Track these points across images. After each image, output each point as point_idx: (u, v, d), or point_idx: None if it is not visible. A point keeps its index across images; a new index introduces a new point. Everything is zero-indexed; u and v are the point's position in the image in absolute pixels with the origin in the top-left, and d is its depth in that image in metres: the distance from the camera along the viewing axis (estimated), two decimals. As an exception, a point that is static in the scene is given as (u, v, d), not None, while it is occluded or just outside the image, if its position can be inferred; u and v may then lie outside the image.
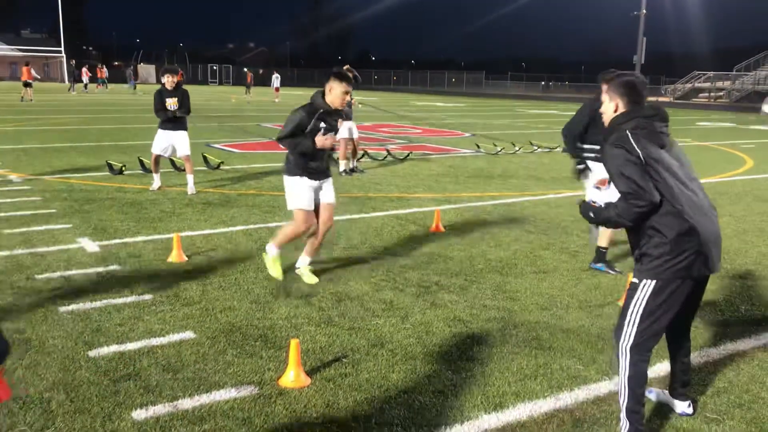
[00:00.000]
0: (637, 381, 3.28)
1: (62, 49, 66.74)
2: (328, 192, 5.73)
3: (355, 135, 11.89)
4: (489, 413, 3.58)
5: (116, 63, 62.07)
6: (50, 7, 67.07)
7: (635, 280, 3.32)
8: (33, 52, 69.69)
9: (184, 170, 10.15)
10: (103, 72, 50.62)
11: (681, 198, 3.20)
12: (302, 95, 47.63)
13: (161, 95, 9.40)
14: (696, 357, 4.34)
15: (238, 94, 47.35)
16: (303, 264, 5.84)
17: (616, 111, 3.46)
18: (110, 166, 11.13)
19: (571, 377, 4.04)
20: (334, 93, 5.46)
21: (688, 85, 58.28)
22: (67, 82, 62.00)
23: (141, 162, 11.42)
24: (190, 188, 9.56)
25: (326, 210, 5.74)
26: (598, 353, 4.40)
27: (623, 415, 3.29)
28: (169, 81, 9.39)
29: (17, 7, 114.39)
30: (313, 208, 5.63)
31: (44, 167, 11.38)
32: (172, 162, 11.23)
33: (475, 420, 3.51)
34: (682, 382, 3.65)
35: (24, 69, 33.22)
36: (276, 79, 40.99)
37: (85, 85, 45.78)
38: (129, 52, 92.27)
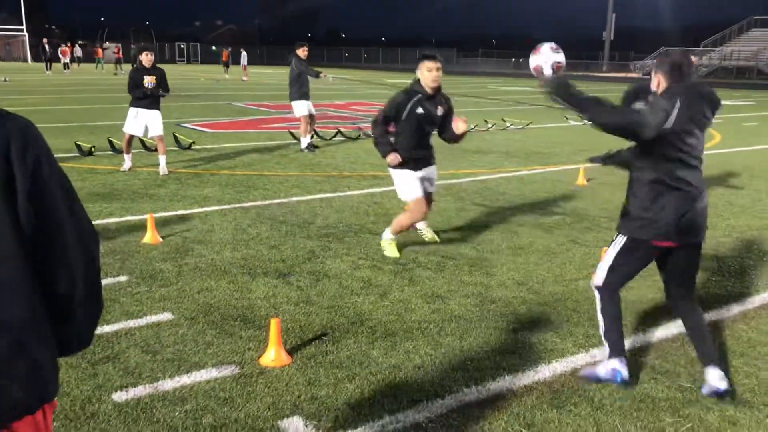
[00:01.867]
0: (609, 311, 3.70)
1: (24, 27, 65.02)
2: (431, 181, 6.02)
3: (313, 112, 11.88)
4: (469, 387, 3.63)
5: (81, 42, 60.56)
6: (10, -15, 65.07)
7: (616, 232, 3.71)
8: (-7, 31, 67.76)
9: (155, 150, 10.03)
10: (68, 51, 49.04)
11: (678, 172, 3.45)
12: (271, 73, 47.16)
13: (138, 72, 9.23)
14: (669, 329, 4.44)
15: (206, 72, 46.67)
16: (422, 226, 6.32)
17: (658, 86, 3.57)
18: (79, 147, 10.94)
19: (549, 350, 4.11)
20: (422, 73, 5.63)
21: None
22: (31, 61, 60.54)
23: (111, 143, 11.23)
24: (162, 169, 9.42)
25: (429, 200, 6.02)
26: (574, 326, 4.47)
27: (603, 339, 3.73)
28: (146, 58, 9.21)
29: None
30: (423, 194, 5.84)
31: (10, 149, 11.09)
32: (143, 142, 11.07)
33: (456, 393, 3.56)
34: (708, 355, 3.64)
35: None
36: (244, 57, 40.55)
37: (66, 65, 43.79)
38: (93, 31, 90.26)
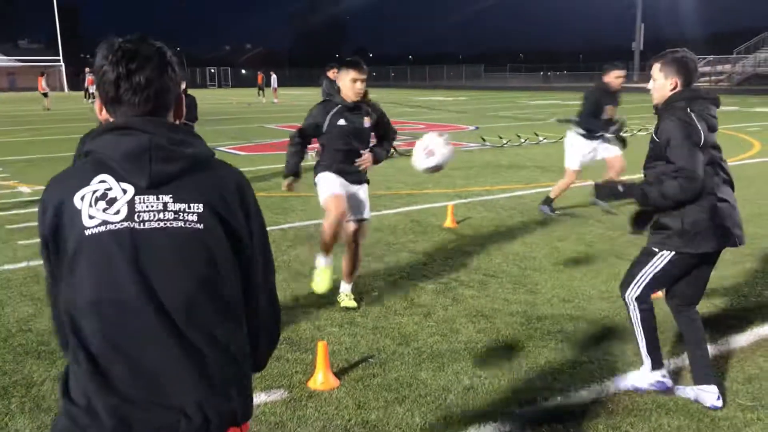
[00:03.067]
0: (649, 322, 3.65)
1: (60, 58, 66.77)
2: (360, 204, 5.12)
3: None
4: (522, 407, 3.57)
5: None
6: (47, 17, 66.91)
7: (654, 249, 3.59)
8: (31, 62, 69.73)
9: None
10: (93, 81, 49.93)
11: (713, 180, 3.41)
12: (301, 95, 47.61)
13: None
14: (723, 344, 4.32)
15: (238, 96, 47.30)
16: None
17: (674, 88, 3.49)
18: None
19: (600, 368, 4.02)
20: (342, 83, 4.94)
21: (688, 70, 57.91)
22: (68, 90, 62.03)
23: None
24: None
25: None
26: (624, 343, 4.37)
27: (644, 353, 3.68)
28: None
29: (15, 18, 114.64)
30: (340, 193, 4.92)
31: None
32: None
33: (509, 416, 3.49)
34: (704, 367, 3.60)
35: (39, 79, 34.14)
36: (274, 79, 41.03)
37: (89, 94, 44.65)
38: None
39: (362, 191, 5.14)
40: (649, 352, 3.67)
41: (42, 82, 34.09)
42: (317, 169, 5.10)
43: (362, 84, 4.92)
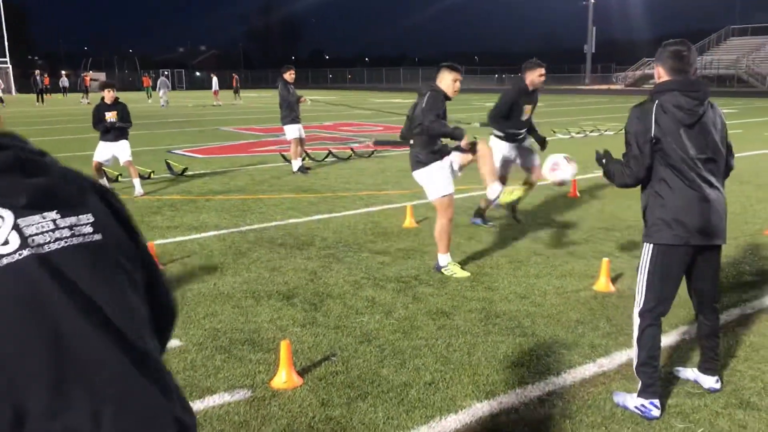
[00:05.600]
0: (646, 342, 3.50)
1: (7, 59, 64.98)
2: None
3: (303, 135, 11.95)
4: (481, 401, 3.66)
5: (65, 72, 60.45)
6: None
7: (644, 243, 3.58)
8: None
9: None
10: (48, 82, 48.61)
11: (674, 182, 3.42)
12: (257, 97, 47.29)
13: (99, 110, 9.85)
14: (674, 335, 4.49)
15: (194, 98, 46.72)
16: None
17: (659, 78, 3.49)
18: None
19: (557, 362, 4.15)
20: (444, 83, 5.92)
21: (638, 72, 59.52)
22: (15, 93, 60.34)
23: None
24: (138, 191, 9.84)
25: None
26: (579, 337, 4.52)
27: (636, 373, 3.54)
28: (108, 95, 9.81)
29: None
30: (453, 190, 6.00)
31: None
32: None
33: (469, 408, 3.59)
34: (710, 358, 3.75)
35: None
36: (215, 82, 40.83)
37: (40, 96, 43.46)
38: (77, 61, 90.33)
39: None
40: (638, 371, 3.54)
41: None
42: (423, 159, 5.94)
43: (459, 84, 6.04)
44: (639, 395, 3.52)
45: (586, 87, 59.76)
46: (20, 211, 1.30)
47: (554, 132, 17.88)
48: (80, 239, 1.35)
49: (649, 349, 3.51)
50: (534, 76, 7.17)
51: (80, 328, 1.29)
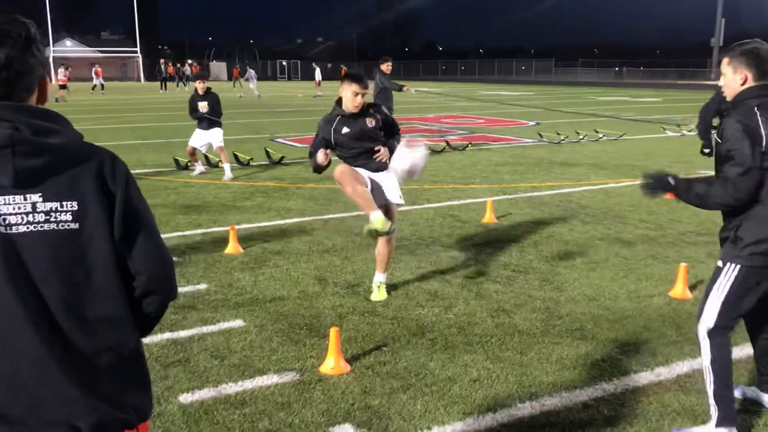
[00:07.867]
0: (721, 364, 3.19)
1: (138, 49, 69.29)
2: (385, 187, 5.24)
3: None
4: (524, 402, 3.61)
5: (190, 62, 63.78)
6: (127, 9, 69.46)
7: (720, 264, 3.21)
8: (111, 53, 72.67)
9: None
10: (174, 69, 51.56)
11: None
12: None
13: (193, 100, 10.59)
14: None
15: (305, 89, 48.02)
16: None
17: (744, 83, 3.16)
18: (177, 162, 11.57)
19: (611, 367, 4.01)
20: (344, 95, 5.09)
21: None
22: (144, 80, 64.26)
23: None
24: (227, 175, 10.44)
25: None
26: (642, 344, 4.34)
27: (711, 400, 3.20)
28: (200, 86, 10.53)
29: (97, 10, 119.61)
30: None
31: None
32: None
33: (509, 408, 3.55)
34: None
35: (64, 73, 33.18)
36: (318, 73, 41.61)
37: (183, 82, 46.72)
38: (201, 51, 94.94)
39: (385, 177, 5.21)
40: (716, 400, 3.19)
41: (60, 74, 33.11)
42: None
43: (362, 98, 5.07)
44: (719, 425, 3.18)
45: (712, 82, 56.40)
46: (6, 189, 1.40)
47: (664, 129, 17.07)
48: (53, 225, 1.42)
49: (725, 375, 3.18)
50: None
51: (10, 313, 1.39)
